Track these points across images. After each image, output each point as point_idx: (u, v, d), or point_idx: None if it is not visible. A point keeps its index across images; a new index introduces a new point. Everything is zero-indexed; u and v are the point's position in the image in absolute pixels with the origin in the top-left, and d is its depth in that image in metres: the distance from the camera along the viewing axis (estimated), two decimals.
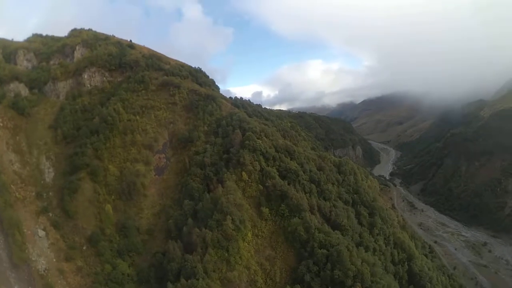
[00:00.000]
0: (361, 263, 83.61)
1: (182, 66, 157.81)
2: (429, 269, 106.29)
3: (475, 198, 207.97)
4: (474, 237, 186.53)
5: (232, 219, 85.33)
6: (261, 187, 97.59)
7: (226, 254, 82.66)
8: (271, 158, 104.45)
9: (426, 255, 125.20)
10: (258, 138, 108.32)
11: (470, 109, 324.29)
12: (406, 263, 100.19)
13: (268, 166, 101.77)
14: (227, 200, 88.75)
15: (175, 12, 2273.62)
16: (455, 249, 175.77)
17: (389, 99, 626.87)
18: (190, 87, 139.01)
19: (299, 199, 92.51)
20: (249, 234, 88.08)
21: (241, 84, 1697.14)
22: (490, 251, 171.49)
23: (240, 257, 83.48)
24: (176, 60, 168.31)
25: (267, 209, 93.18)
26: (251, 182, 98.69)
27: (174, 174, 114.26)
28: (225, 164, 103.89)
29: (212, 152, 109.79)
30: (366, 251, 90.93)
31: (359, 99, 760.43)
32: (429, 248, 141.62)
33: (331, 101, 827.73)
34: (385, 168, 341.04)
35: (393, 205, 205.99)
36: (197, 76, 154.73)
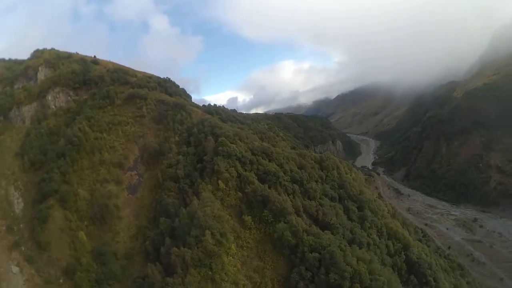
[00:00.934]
0: (357, 262, 74.74)
1: (150, 78, 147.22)
2: (426, 254, 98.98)
3: (460, 176, 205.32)
4: (463, 214, 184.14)
5: (212, 233, 75.02)
6: (240, 194, 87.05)
7: (210, 272, 72.36)
8: (248, 162, 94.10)
9: (420, 240, 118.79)
10: (232, 143, 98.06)
11: (442, 91, 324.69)
12: (402, 252, 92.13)
13: (245, 171, 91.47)
14: (204, 213, 78.28)
15: (142, 25, 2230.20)
16: (447, 228, 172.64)
17: (362, 91, 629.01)
18: (157, 98, 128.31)
19: (282, 202, 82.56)
20: (233, 247, 77.81)
21: (216, 92, 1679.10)
22: (481, 226, 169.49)
23: (225, 273, 73.22)
24: (144, 72, 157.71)
25: (249, 217, 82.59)
26: (229, 190, 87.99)
27: (148, 191, 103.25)
28: (200, 174, 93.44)
29: (185, 163, 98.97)
30: (360, 248, 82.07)
31: (333, 95, 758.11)
32: (422, 232, 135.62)
33: (306, 100, 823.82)
34: (367, 159, 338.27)
35: (379, 194, 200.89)
36: (166, 87, 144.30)
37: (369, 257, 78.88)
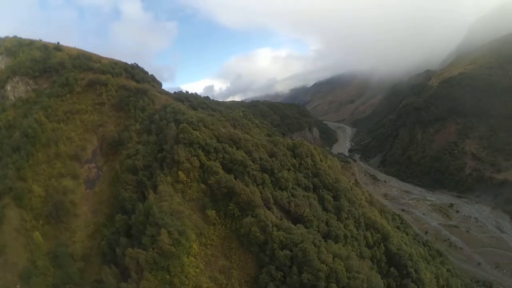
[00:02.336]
0: (333, 259, 64.90)
1: (116, 64, 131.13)
2: (406, 244, 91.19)
3: (435, 162, 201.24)
4: (439, 200, 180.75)
5: (169, 232, 63.03)
6: (203, 186, 74.61)
7: (168, 276, 60.92)
8: (213, 150, 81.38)
9: (398, 227, 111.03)
10: (195, 129, 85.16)
11: (418, 80, 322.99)
12: (382, 244, 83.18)
13: (209, 160, 79.07)
14: (160, 209, 66.00)
15: (113, 11, 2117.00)
16: (423, 214, 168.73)
17: (338, 79, 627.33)
18: (119, 84, 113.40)
19: (249, 194, 70.87)
20: (195, 246, 66.11)
21: (192, 81, 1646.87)
22: (457, 212, 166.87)
23: (186, 276, 61.77)
24: (110, 58, 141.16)
25: (213, 211, 70.82)
26: (191, 182, 75.40)
27: (108, 185, 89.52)
28: (160, 164, 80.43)
29: (144, 153, 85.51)
30: (336, 243, 72.27)
31: (310, 83, 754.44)
32: (399, 219, 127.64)
33: (283, 88, 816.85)
34: (343, 146, 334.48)
35: (356, 180, 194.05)
36: (134, 73, 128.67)
37: (347, 253, 69.26)
